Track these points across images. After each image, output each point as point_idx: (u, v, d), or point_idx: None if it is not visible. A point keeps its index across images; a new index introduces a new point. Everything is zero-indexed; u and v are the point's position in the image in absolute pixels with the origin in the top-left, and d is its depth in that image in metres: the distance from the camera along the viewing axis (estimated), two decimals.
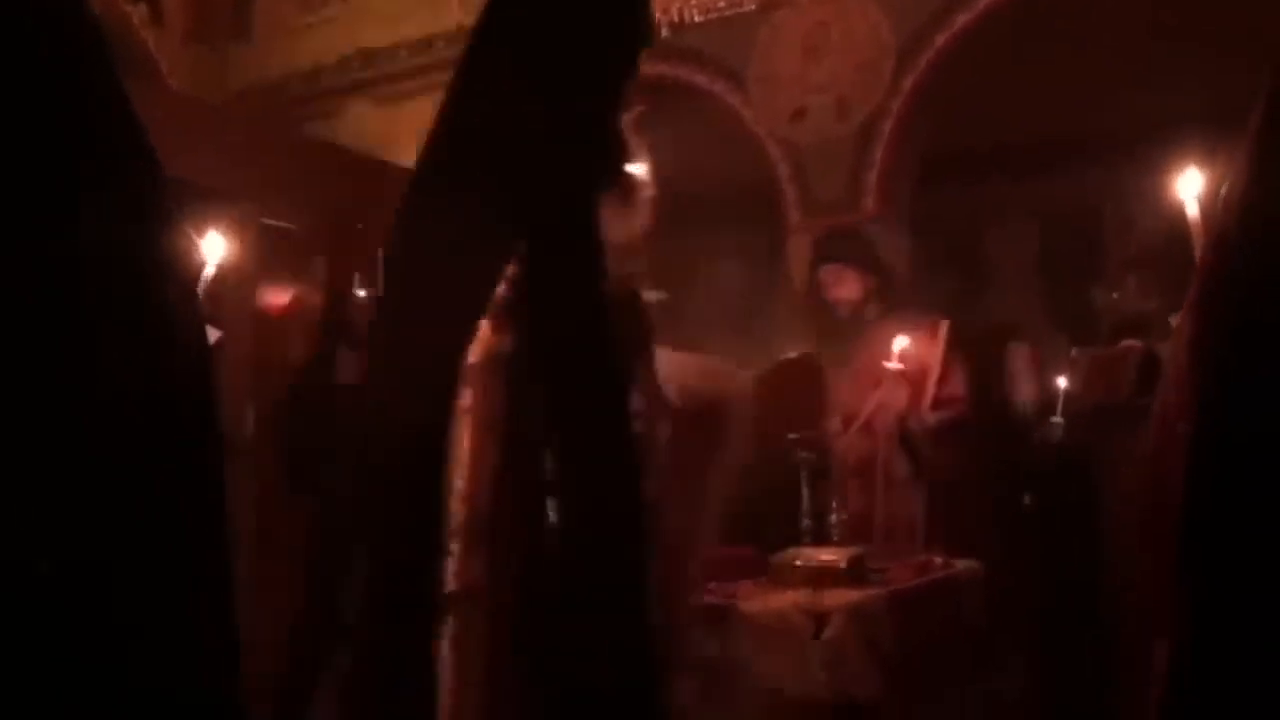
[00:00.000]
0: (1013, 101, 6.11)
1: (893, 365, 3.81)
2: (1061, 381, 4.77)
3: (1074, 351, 5.16)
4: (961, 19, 5.52)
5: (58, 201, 0.80)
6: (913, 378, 3.88)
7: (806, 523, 3.84)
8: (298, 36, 7.26)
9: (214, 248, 2.62)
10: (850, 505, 3.65)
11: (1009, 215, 6.96)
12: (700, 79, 6.09)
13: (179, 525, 0.83)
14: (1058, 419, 4.64)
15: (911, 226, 6.06)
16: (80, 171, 0.83)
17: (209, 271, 2.52)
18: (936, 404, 4.15)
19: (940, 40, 5.58)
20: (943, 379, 4.10)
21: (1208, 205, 2.03)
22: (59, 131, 0.83)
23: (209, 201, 5.33)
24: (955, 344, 4.20)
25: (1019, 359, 5.91)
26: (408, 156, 7.34)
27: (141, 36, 6.79)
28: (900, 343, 3.86)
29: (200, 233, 3.04)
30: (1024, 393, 5.59)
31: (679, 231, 7.43)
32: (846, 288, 4.19)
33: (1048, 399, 4.88)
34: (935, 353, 4.09)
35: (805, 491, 3.85)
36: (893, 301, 4.47)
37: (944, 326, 4.27)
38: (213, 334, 2.38)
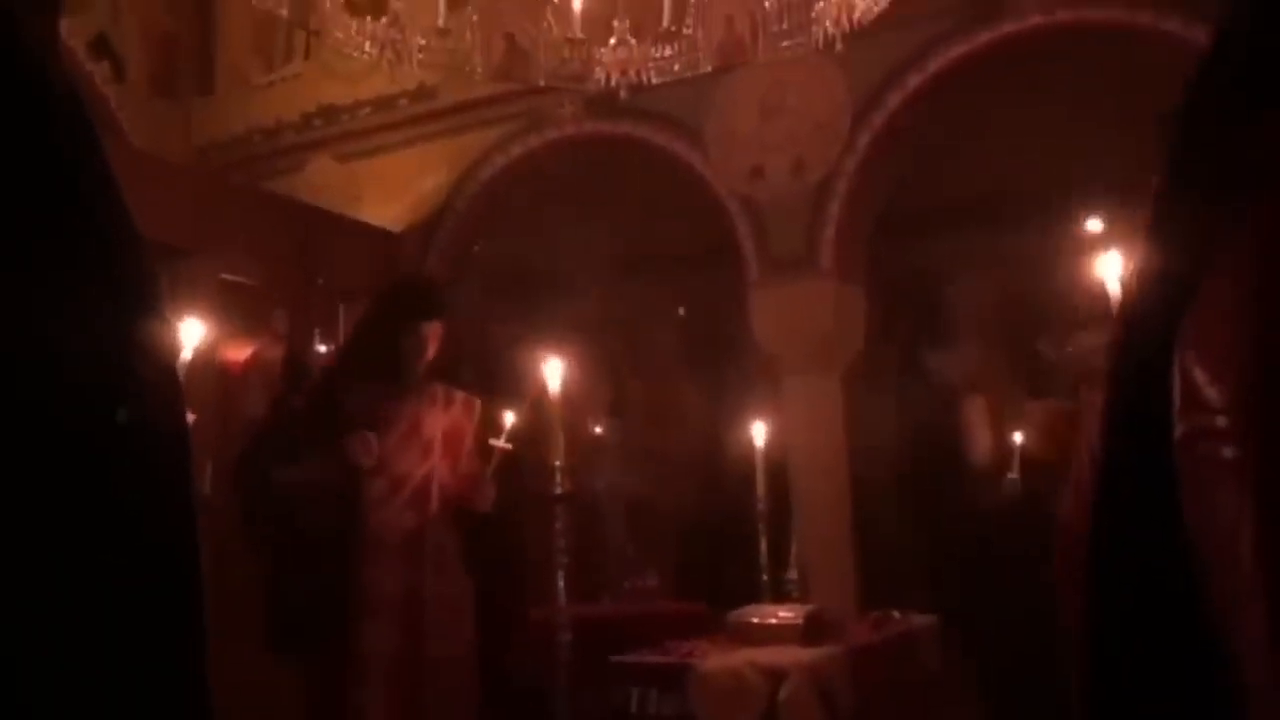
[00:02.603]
0: (970, 157, 6.23)
1: (500, 444, 3.70)
2: (1017, 437, 4.81)
3: (1029, 404, 5.22)
4: (914, 79, 5.63)
5: (36, 281, 0.80)
6: (453, 449, 3.81)
7: (764, 579, 3.85)
8: (260, 93, 7.29)
9: (191, 331, 2.64)
10: (392, 583, 3.55)
11: (967, 269, 7.05)
12: (660, 138, 6.18)
13: (156, 630, 0.83)
14: (1013, 475, 4.68)
15: (869, 281, 6.14)
16: (61, 252, 0.83)
17: (186, 356, 2.50)
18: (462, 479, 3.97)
19: (894, 100, 5.70)
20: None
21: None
22: (39, 205, 0.83)
23: (169, 258, 5.33)
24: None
25: (974, 411, 5.97)
26: (368, 212, 7.38)
27: (103, 93, 6.79)
28: (508, 418, 3.76)
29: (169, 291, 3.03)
30: (979, 444, 5.64)
31: (637, 284, 7.46)
32: (435, 345, 3.95)
33: (1004, 454, 4.92)
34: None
35: (763, 547, 3.87)
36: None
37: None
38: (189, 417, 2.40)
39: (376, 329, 3.86)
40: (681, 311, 6.54)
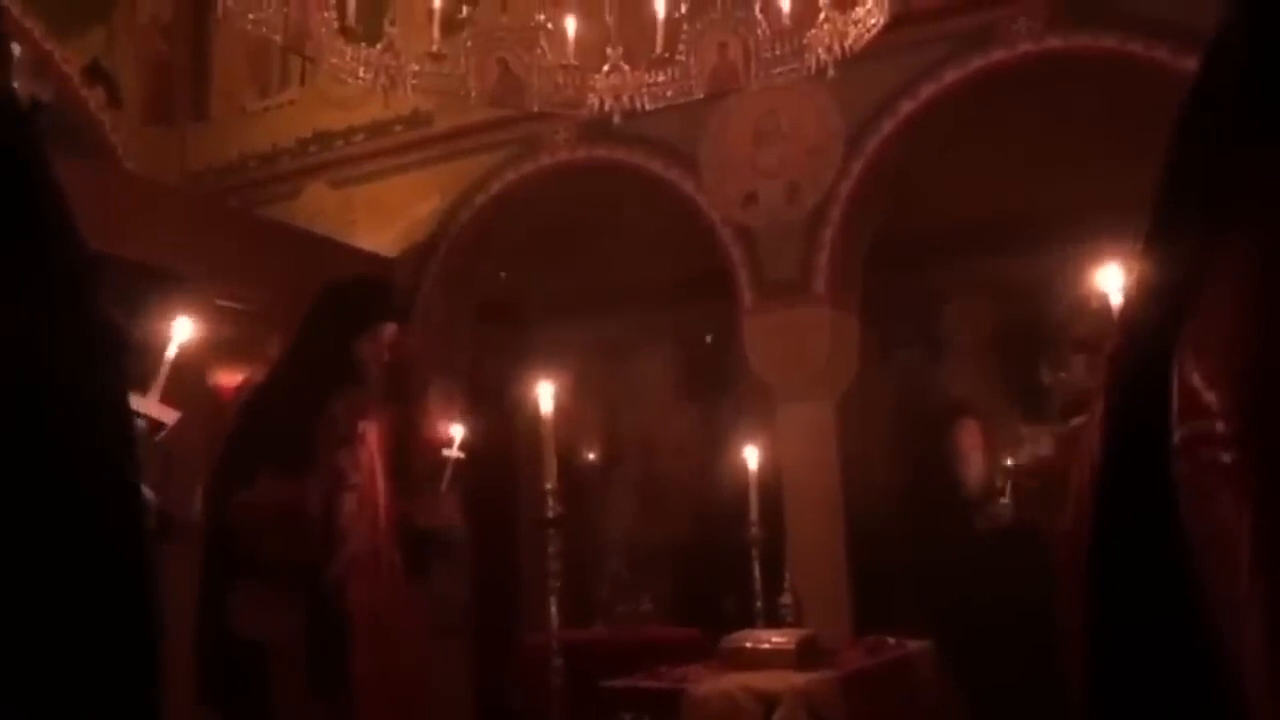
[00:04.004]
0: (963, 183, 6.25)
1: (453, 453, 3.62)
2: (1010, 462, 4.81)
3: (1023, 429, 5.22)
4: (907, 106, 5.66)
5: None
6: (390, 460, 3.61)
7: (758, 604, 3.83)
8: (255, 119, 7.32)
9: (181, 328, 2.60)
10: (363, 605, 3.40)
11: (962, 294, 7.08)
12: (654, 164, 6.20)
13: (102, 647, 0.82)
14: (1006, 500, 4.68)
15: (864, 305, 6.15)
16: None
17: (171, 353, 2.48)
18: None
19: (888, 126, 5.72)
20: None
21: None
22: None
23: (162, 282, 5.32)
24: None
25: (967, 435, 5.97)
26: (363, 237, 7.40)
27: (98, 119, 6.81)
28: (458, 429, 3.68)
29: (152, 315, 3.02)
30: (972, 468, 5.64)
31: (631, 311, 7.46)
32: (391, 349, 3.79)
33: (997, 480, 4.92)
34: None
35: (757, 572, 3.85)
36: None
37: None
38: (171, 414, 2.37)
39: (330, 335, 3.57)
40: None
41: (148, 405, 2.37)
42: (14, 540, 0.79)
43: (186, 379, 4.71)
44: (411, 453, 3.69)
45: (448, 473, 3.56)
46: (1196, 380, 0.70)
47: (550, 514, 3.04)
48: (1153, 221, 0.84)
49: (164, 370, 2.47)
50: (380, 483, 3.52)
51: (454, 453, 3.59)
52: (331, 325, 3.56)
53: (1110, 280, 2.13)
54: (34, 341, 0.83)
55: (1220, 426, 0.68)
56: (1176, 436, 0.71)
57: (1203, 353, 0.71)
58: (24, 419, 0.81)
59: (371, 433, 3.54)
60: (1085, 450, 0.92)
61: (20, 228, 0.85)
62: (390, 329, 3.59)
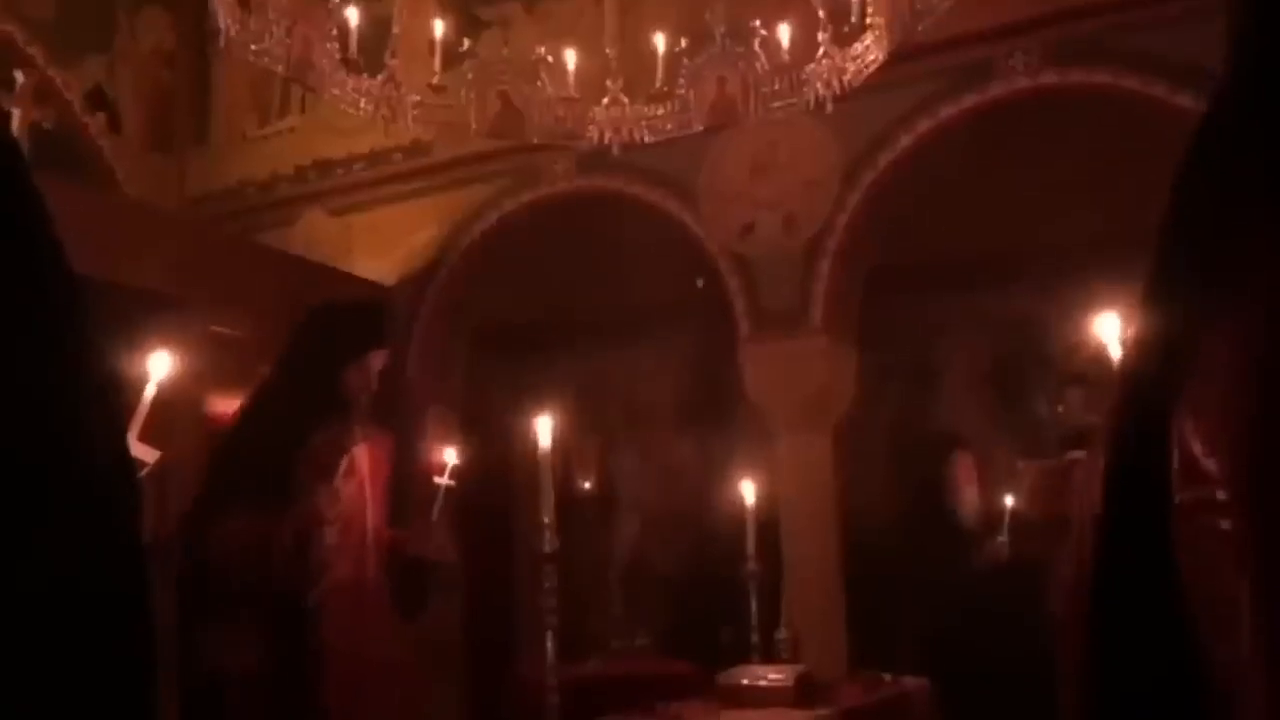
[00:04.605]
0: (960, 217, 6.28)
1: (444, 480, 3.49)
2: (1008, 500, 4.80)
3: (1020, 464, 5.22)
4: (904, 140, 5.70)
5: None
6: (379, 489, 3.50)
7: (755, 638, 3.81)
8: (255, 146, 7.34)
9: (159, 364, 2.51)
10: (342, 643, 3.26)
11: (958, 327, 7.09)
12: (653, 195, 6.22)
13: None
14: (1003, 538, 4.66)
15: (860, 337, 6.16)
16: None
17: (150, 391, 2.41)
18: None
19: (884, 160, 5.75)
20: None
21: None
22: None
23: (159, 308, 5.32)
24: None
25: (963, 468, 5.97)
26: (360, 266, 7.41)
27: (98, 145, 6.82)
28: (450, 456, 3.55)
29: (148, 343, 2.98)
30: (966, 501, 5.63)
31: (628, 339, 7.47)
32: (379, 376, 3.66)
33: (993, 515, 4.91)
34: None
35: (754, 606, 3.84)
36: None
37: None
38: (151, 454, 2.29)
39: (317, 362, 3.41)
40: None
41: (130, 444, 2.30)
42: (8, 590, 0.79)
43: (182, 406, 4.72)
44: (403, 481, 3.61)
45: (439, 501, 3.48)
46: (1196, 445, 0.70)
47: (547, 548, 3.03)
48: (1151, 276, 0.84)
49: (143, 408, 2.40)
50: (370, 511, 3.42)
51: (445, 480, 3.50)
52: (319, 352, 3.42)
53: (1108, 328, 2.14)
54: (28, 385, 0.82)
55: (1220, 494, 0.68)
56: (1177, 500, 0.71)
57: (1201, 416, 0.71)
58: (19, 466, 0.80)
59: (362, 460, 3.44)
60: (1086, 505, 0.92)
61: (9, 263, 0.85)
62: (381, 357, 3.48)
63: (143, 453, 2.28)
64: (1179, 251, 0.81)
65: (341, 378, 3.40)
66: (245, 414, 3.50)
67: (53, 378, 0.83)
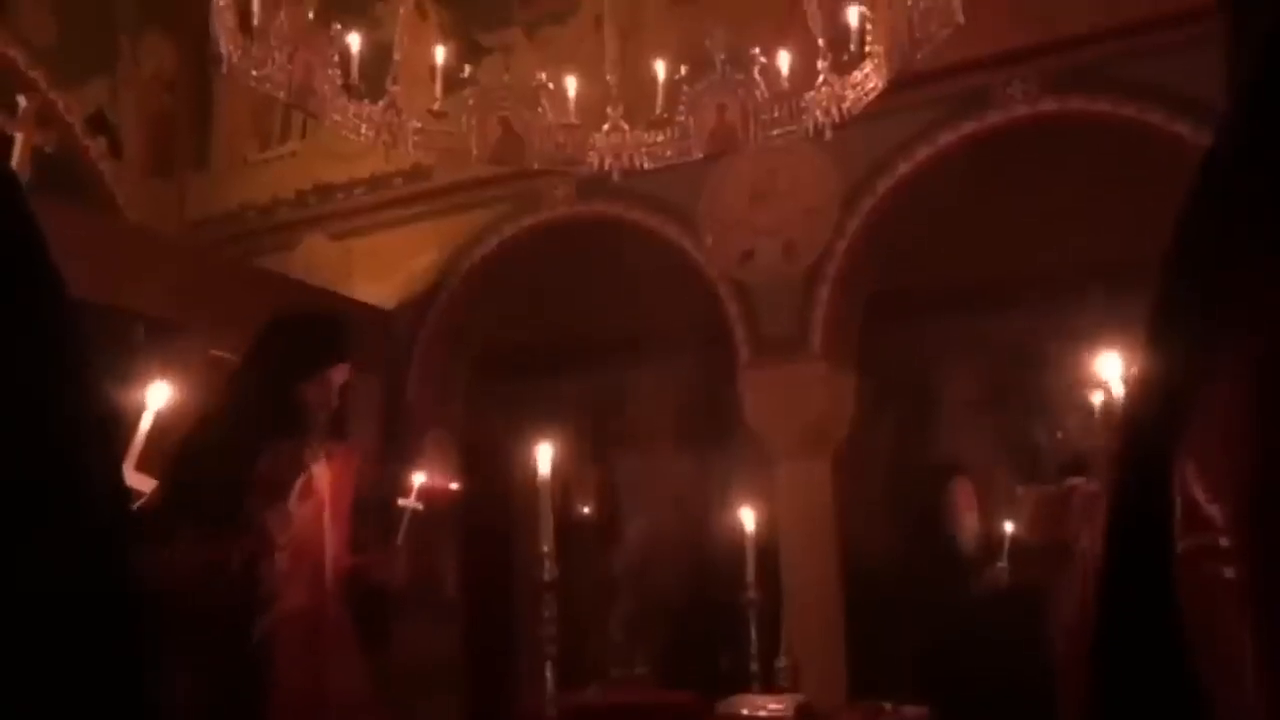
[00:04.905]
0: (958, 243, 6.29)
1: (410, 503, 3.31)
2: (1008, 526, 4.79)
3: (1019, 489, 5.21)
4: (903, 167, 5.72)
5: None
6: (339, 511, 3.27)
7: (754, 666, 3.80)
8: (256, 170, 7.36)
9: (157, 394, 2.46)
10: (297, 677, 3.03)
11: (957, 352, 7.10)
12: (653, 221, 6.24)
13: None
14: (1002, 564, 4.66)
15: (859, 363, 6.16)
16: None
17: (147, 421, 2.36)
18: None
19: (883, 186, 5.77)
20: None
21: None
22: None
23: (159, 332, 5.32)
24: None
25: (962, 493, 5.96)
26: (361, 290, 7.39)
27: (98, 169, 6.84)
28: (419, 478, 3.37)
29: (148, 368, 2.95)
30: (967, 527, 5.62)
31: (627, 364, 7.46)
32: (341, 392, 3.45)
33: (992, 541, 4.90)
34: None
35: (753, 634, 3.82)
36: None
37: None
38: (148, 483, 2.26)
39: (273, 377, 3.18)
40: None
41: (125, 475, 2.24)
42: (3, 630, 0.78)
43: (182, 431, 4.70)
44: (347, 501, 3.29)
45: (403, 525, 3.28)
46: (1198, 492, 0.70)
47: (547, 577, 3.00)
48: (1154, 316, 0.84)
49: (139, 438, 2.34)
50: (329, 535, 3.19)
51: (411, 503, 3.30)
52: (276, 367, 3.20)
53: (1109, 368, 2.13)
54: (24, 417, 0.82)
55: (1223, 541, 0.67)
56: (1179, 547, 0.71)
57: (1204, 463, 0.71)
58: (13, 498, 0.80)
59: (322, 480, 3.22)
60: (1089, 549, 0.92)
61: (7, 295, 0.84)
62: (342, 372, 3.25)
63: (138, 482, 2.24)
64: (1182, 291, 0.81)
65: (299, 393, 3.19)
66: (195, 431, 3.16)
67: (49, 410, 0.83)
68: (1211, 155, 0.82)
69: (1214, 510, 0.68)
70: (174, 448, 3.01)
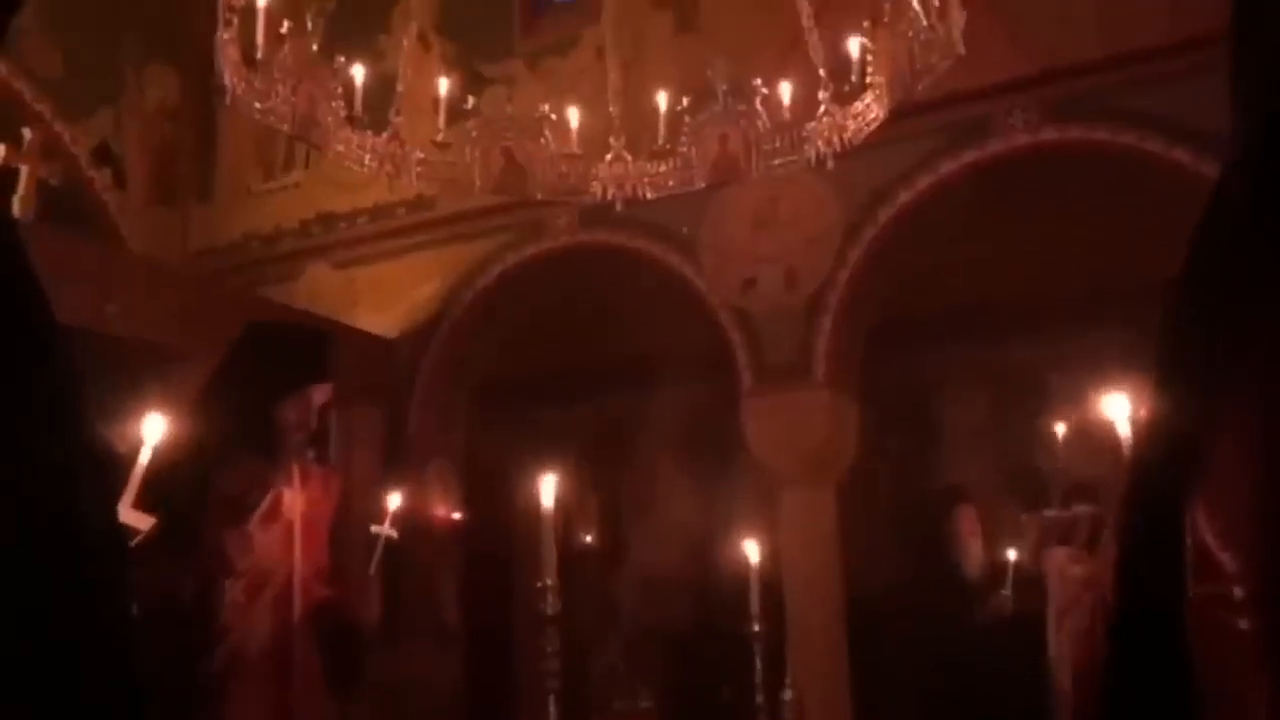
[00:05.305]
0: (959, 271, 6.30)
1: (384, 530, 3.04)
2: (1011, 553, 4.78)
3: (1023, 517, 5.19)
4: (904, 196, 5.74)
5: None
6: (313, 537, 2.95)
7: (759, 698, 3.77)
8: (260, 200, 7.39)
9: (153, 428, 2.31)
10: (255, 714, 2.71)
11: (959, 380, 7.10)
12: (655, 249, 6.25)
13: None
14: (1006, 591, 4.64)
15: (861, 391, 6.16)
16: None
17: (145, 457, 2.26)
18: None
19: (884, 215, 5.79)
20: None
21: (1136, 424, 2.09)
22: None
23: (162, 361, 5.33)
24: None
25: (965, 521, 5.94)
26: (364, 318, 7.39)
27: (103, 199, 6.87)
28: (394, 501, 3.10)
29: (150, 397, 2.90)
30: (971, 554, 5.60)
31: (630, 392, 7.44)
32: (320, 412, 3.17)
33: (996, 568, 4.88)
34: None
35: (758, 666, 3.80)
36: None
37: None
38: (146, 520, 2.17)
39: (248, 394, 2.89)
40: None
41: (122, 512, 2.13)
42: None
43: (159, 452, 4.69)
44: (323, 528, 2.99)
45: (377, 554, 3.02)
46: (1210, 540, 0.70)
47: (549, 611, 2.94)
48: (1162, 360, 0.84)
49: (137, 475, 2.23)
50: (298, 563, 2.87)
51: (386, 530, 3.04)
52: (252, 383, 2.91)
53: (1116, 409, 2.12)
54: (20, 462, 0.82)
55: (1237, 591, 0.67)
56: (1191, 593, 0.71)
57: (1215, 511, 0.71)
58: (9, 542, 0.80)
59: (292, 503, 2.90)
60: (1098, 590, 0.91)
61: (3, 340, 0.85)
62: (324, 392, 2.99)
63: (135, 520, 2.16)
64: (1191, 332, 0.80)
65: (276, 411, 2.91)
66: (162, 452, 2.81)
67: (42, 455, 0.83)
68: (1219, 194, 0.82)
69: (1226, 558, 0.68)
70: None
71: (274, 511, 2.86)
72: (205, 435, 2.74)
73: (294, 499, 2.90)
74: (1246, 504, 0.68)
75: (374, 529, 3.08)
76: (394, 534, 3.08)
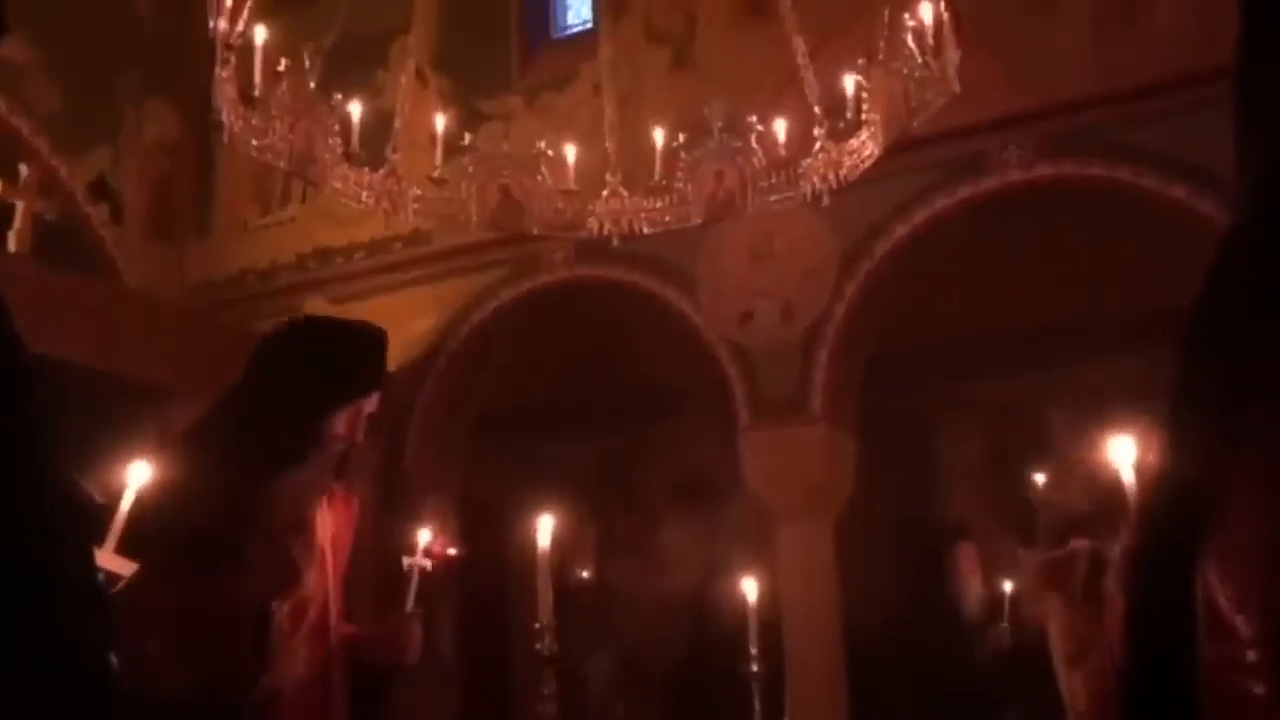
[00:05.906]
0: (955, 305, 6.32)
1: (419, 561, 2.79)
2: (1008, 585, 4.75)
3: (1020, 552, 5.16)
4: (900, 230, 5.75)
5: None
6: (340, 563, 2.67)
7: None
8: (256, 235, 7.40)
9: (137, 474, 2.16)
10: None
11: (955, 414, 7.10)
12: (651, 284, 6.26)
13: None
14: (1005, 625, 4.61)
15: (859, 425, 6.15)
16: None
17: (127, 502, 2.16)
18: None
19: (881, 249, 5.80)
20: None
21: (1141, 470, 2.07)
22: None
23: (159, 397, 5.31)
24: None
25: (965, 559, 5.91)
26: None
27: (99, 235, 6.88)
28: (425, 536, 2.85)
29: (146, 433, 2.87)
30: (970, 592, 5.57)
31: (627, 426, 7.41)
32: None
33: (994, 601, 4.86)
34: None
35: (757, 706, 3.77)
36: None
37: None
38: (128, 567, 2.08)
39: (303, 399, 2.52)
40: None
41: (103, 558, 2.00)
42: None
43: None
44: (347, 553, 2.73)
45: (412, 587, 2.73)
46: (1221, 599, 0.69)
47: (546, 652, 2.90)
48: (1172, 412, 0.82)
49: (119, 521, 2.12)
50: (332, 595, 2.58)
51: (420, 561, 2.78)
52: (309, 387, 2.54)
53: (1121, 454, 2.10)
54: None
55: (1251, 655, 0.66)
56: (1204, 654, 0.70)
57: (1227, 571, 0.69)
58: None
59: (324, 526, 2.61)
60: (1106, 644, 0.90)
61: None
62: (374, 402, 2.66)
63: (117, 566, 2.09)
64: (1201, 383, 0.79)
65: (329, 421, 2.55)
66: (186, 456, 2.43)
67: (20, 506, 0.83)
68: (1230, 243, 0.81)
69: (1239, 621, 0.67)
70: (155, 483, 2.26)
71: (309, 536, 2.56)
72: (244, 448, 2.43)
73: (324, 520, 2.60)
74: (1261, 565, 0.67)
75: (407, 561, 2.78)
76: (429, 565, 2.79)
